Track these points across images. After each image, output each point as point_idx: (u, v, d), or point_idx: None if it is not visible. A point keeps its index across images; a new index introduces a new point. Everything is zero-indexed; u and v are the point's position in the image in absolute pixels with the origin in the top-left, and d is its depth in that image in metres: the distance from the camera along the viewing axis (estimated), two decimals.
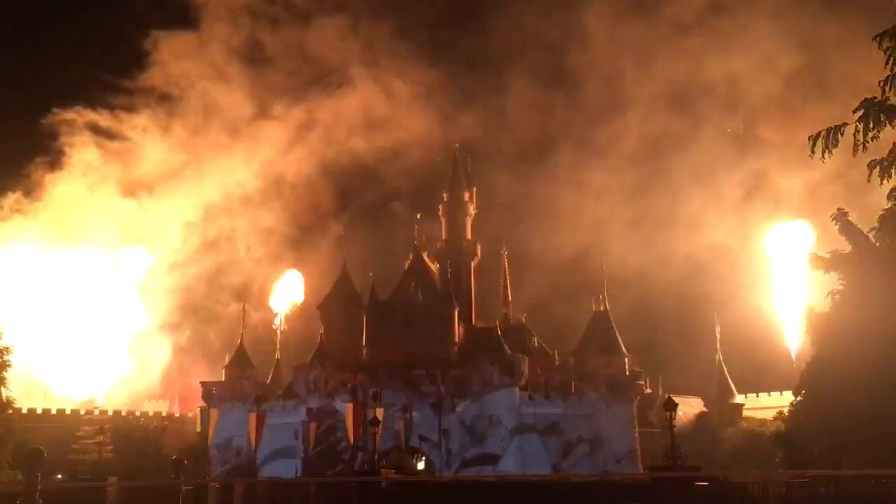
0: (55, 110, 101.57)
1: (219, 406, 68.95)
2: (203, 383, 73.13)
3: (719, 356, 78.00)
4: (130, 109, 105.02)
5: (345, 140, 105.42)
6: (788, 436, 25.46)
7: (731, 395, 75.74)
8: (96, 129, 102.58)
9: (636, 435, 66.28)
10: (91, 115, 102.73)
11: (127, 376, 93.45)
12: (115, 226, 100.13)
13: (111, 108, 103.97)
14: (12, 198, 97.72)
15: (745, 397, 77.92)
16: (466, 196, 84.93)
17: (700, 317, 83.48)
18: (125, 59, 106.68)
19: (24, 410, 64.71)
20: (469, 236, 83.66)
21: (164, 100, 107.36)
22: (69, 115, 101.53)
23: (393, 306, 73.58)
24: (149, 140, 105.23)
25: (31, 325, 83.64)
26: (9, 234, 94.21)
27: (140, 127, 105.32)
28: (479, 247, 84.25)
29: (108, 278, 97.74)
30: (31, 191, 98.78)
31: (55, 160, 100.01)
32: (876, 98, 19.15)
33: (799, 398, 30.06)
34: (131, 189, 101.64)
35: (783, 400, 66.41)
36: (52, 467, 51.72)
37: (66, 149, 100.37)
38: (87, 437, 66.62)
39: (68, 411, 78.11)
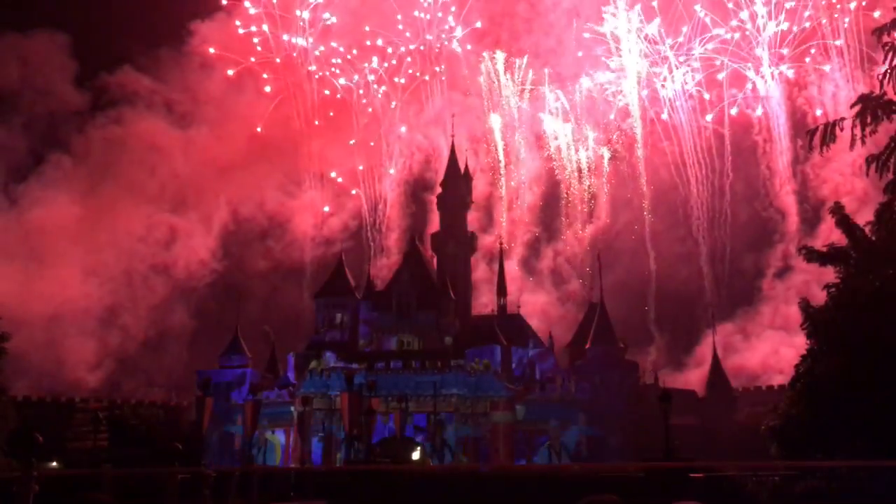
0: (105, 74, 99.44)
1: (214, 394, 68.84)
2: (199, 372, 73.11)
3: (715, 349, 77.97)
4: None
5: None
6: (783, 428, 25.51)
7: (727, 387, 75.69)
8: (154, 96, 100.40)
9: (631, 426, 66.27)
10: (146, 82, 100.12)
11: (127, 361, 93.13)
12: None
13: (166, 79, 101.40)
14: (55, 159, 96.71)
15: (741, 390, 77.88)
16: (464, 186, 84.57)
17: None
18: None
19: (20, 398, 64.73)
20: (467, 227, 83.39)
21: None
22: (124, 77, 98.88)
23: (389, 296, 73.51)
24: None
25: (31, 307, 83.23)
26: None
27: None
28: (476, 238, 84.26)
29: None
30: (82, 152, 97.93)
31: (108, 122, 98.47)
32: (873, 93, 19.09)
33: (794, 391, 30.03)
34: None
35: (778, 393, 66.49)
36: (47, 454, 51.78)
37: (122, 112, 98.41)
38: (82, 424, 66.58)
39: (63, 399, 77.95)
